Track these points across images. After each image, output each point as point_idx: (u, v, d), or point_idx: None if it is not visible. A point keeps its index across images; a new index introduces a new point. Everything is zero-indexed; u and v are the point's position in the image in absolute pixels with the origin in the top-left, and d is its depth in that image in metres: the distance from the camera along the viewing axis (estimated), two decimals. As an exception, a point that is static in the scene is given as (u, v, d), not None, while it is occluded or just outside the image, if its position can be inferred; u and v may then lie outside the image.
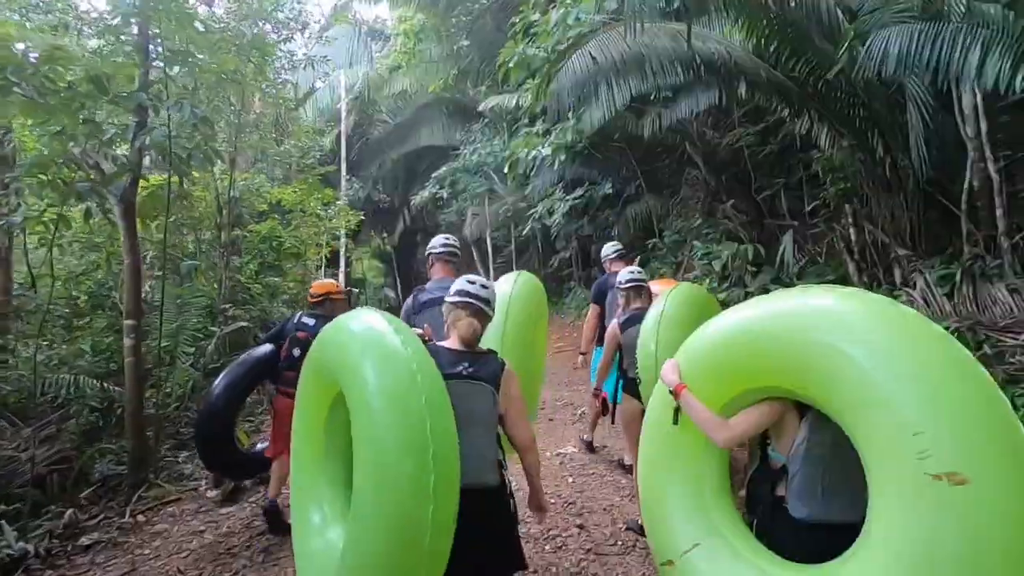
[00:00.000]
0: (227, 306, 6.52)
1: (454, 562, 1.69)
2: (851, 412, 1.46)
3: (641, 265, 7.96)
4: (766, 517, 1.81)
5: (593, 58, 4.58)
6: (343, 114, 16.03)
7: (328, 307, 3.69)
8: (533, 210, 10.08)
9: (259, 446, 4.23)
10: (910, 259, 4.51)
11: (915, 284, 4.24)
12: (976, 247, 4.32)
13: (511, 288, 2.87)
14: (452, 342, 2.07)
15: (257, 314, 8.15)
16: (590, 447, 4.79)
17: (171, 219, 7.89)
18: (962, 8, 3.36)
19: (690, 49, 4.45)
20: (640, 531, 3.20)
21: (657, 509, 2.01)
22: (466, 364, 1.99)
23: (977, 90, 4.14)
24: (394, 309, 19.97)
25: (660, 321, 2.94)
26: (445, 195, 13.07)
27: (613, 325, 3.46)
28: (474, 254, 16.71)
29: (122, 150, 4.48)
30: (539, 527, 3.37)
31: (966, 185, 4.52)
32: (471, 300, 2.08)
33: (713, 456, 1.97)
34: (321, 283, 3.92)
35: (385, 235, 22.46)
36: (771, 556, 1.71)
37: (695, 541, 1.85)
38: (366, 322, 1.88)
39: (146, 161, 4.86)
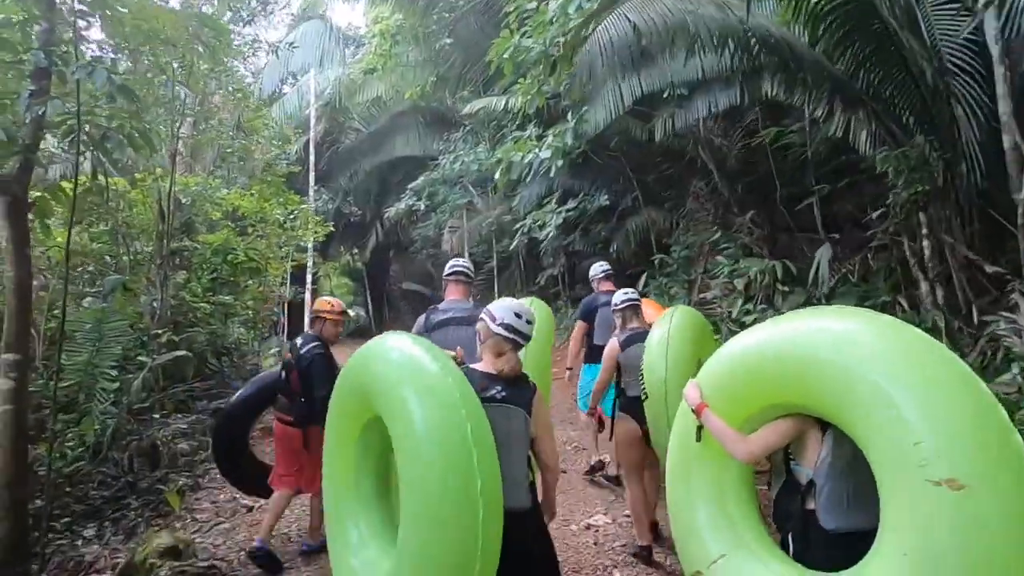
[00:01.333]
0: (162, 331, 5.39)
1: None
2: (860, 425, 1.56)
3: (646, 283, 7.15)
4: (798, 530, 1.83)
5: (632, 23, 3.75)
6: (312, 120, 14.98)
7: (318, 327, 3.52)
8: (521, 223, 9.21)
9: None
10: (1002, 278, 3.79)
11: (1019, 307, 3.49)
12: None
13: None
14: (486, 365, 2.08)
15: (205, 338, 7.01)
16: (599, 468, 4.53)
17: (104, 226, 6.80)
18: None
19: (743, 23, 3.67)
20: (643, 553, 3.29)
21: (685, 522, 2.11)
22: (499, 388, 2.01)
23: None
24: (364, 329, 18.65)
25: (668, 343, 3.04)
26: (422, 207, 12.11)
27: (612, 344, 3.47)
28: (451, 271, 15.75)
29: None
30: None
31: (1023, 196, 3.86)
32: (516, 338, 2.09)
33: (736, 471, 2.06)
34: (319, 300, 3.72)
35: (356, 251, 21.31)
36: (795, 565, 1.80)
37: (722, 552, 1.93)
38: (400, 347, 1.91)
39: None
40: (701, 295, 6.11)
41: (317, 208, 14.83)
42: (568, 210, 8.27)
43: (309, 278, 14.90)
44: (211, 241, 7.30)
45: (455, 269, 3.35)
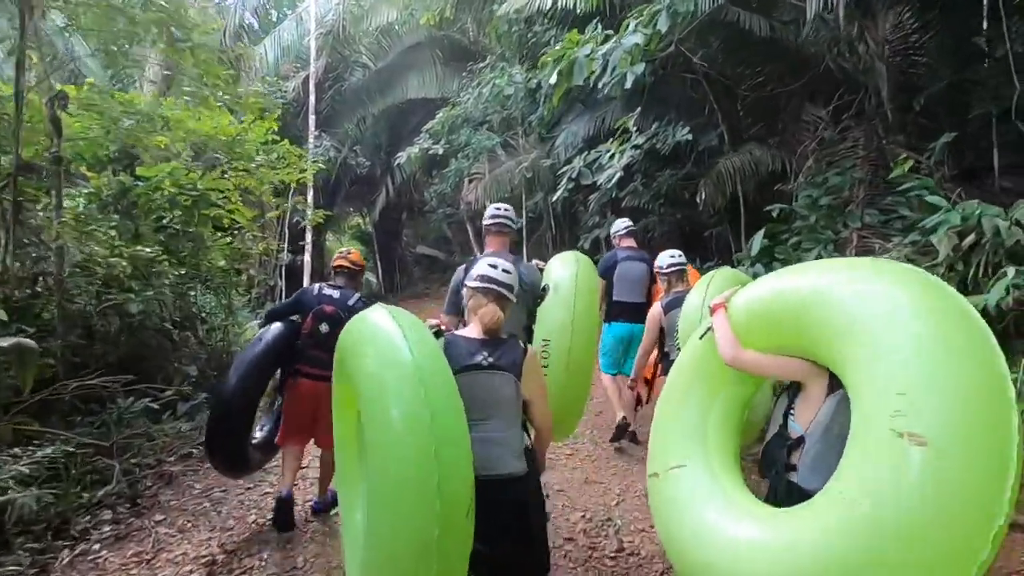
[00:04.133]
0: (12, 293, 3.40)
1: (478, 551, 1.67)
2: (854, 368, 1.47)
3: (770, 239, 5.01)
4: (778, 481, 1.79)
5: None
6: (312, 52, 12.79)
7: (359, 280, 3.54)
8: (567, 167, 7.06)
9: (260, 433, 3.56)
10: None
11: None
12: None
13: (575, 270, 2.88)
14: (472, 330, 2.01)
15: (143, 306, 5.08)
16: (626, 429, 4.27)
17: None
18: None
19: None
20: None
21: (663, 424, 2.11)
22: (486, 353, 1.94)
23: None
24: (377, 296, 16.65)
25: (704, 305, 2.71)
26: (440, 151, 9.97)
27: (656, 309, 3.46)
28: (469, 233, 13.68)
29: None
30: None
31: None
32: (492, 286, 2.03)
33: (728, 393, 2.04)
34: (349, 253, 3.56)
35: (365, 211, 19.30)
36: (746, 492, 1.80)
37: (683, 461, 1.94)
38: (369, 318, 1.86)
39: None
40: (864, 252, 4.02)
41: (317, 156, 12.79)
42: (635, 146, 6.10)
43: (308, 237, 12.97)
44: (151, 174, 5.31)
45: (496, 219, 3.03)
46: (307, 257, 12.90)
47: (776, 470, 1.78)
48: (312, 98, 12.71)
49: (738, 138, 6.69)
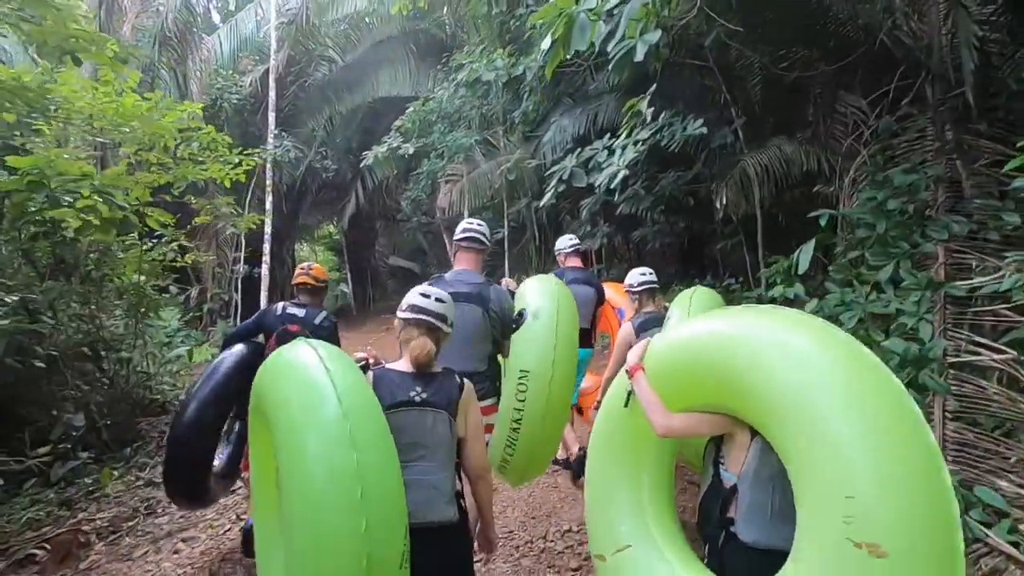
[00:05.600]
0: None
1: None
2: (794, 449, 1.42)
3: (822, 271, 4.00)
4: (716, 537, 1.71)
5: None
6: (272, 43, 11.58)
7: (320, 297, 3.40)
8: (559, 167, 5.97)
9: (218, 461, 3.24)
10: None
11: None
12: None
13: (556, 296, 2.68)
14: (404, 363, 1.89)
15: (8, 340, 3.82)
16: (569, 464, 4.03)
17: None
18: None
19: None
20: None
21: (597, 499, 2.03)
22: (419, 389, 1.83)
23: None
24: (350, 308, 15.27)
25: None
26: (411, 150, 8.83)
27: (627, 329, 3.30)
28: (446, 242, 12.53)
29: None
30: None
31: None
32: (424, 317, 1.90)
33: (658, 455, 1.99)
34: (312, 268, 3.41)
35: (335, 219, 18.02)
36: (698, 565, 1.76)
37: (628, 542, 1.88)
38: (290, 352, 1.73)
39: None
40: (960, 283, 2.98)
41: (277, 158, 11.55)
42: (641, 141, 5.04)
43: (267, 247, 11.68)
44: (23, 165, 4.07)
45: (467, 233, 2.83)
46: (264, 269, 11.61)
47: (713, 525, 1.72)
48: (272, 94, 11.49)
49: (758, 133, 5.70)
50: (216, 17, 15.95)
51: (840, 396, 1.35)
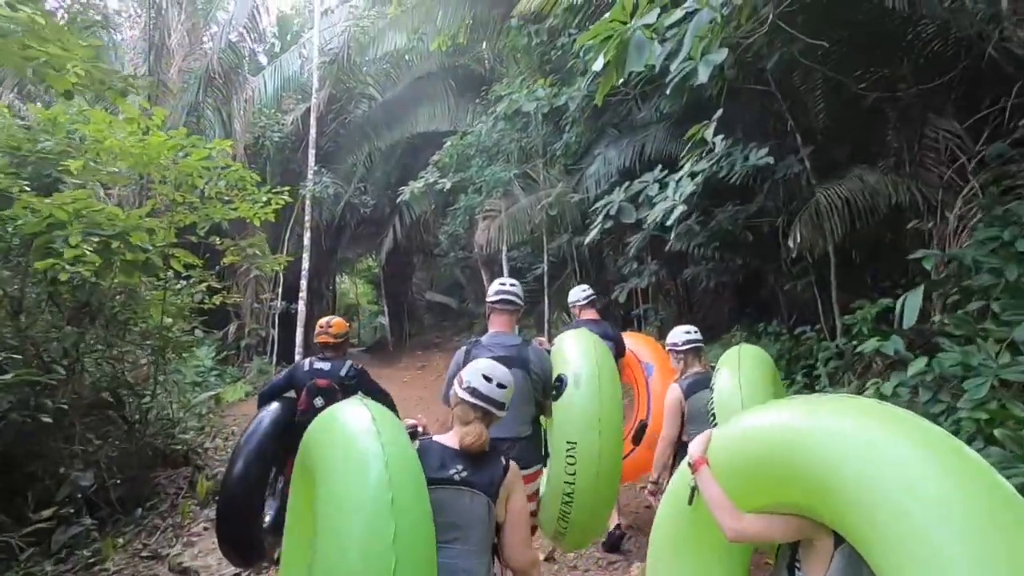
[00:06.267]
0: None
1: None
2: (889, 560, 1.22)
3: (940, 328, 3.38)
4: None
5: None
6: (315, 83, 11.71)
7: (344, 350, 3.57)
8: (607, 202, 5.51)
9: (269, 516, 3.40)
10: None
11: None
12: None
13: (595, 358, 2.66)
14: (451, 438, 1.81)
15: (16, 397, 3.57)
16: (620, 541, 3.77)
17: None
18: None
19: None
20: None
21: None
22: (459, 467, 1.74)
23: None
24: (386, 342, 15.04)
25: (741, 388, 2.60)
26: (448, 184, 8.57)
27: (675, 392, 3.08)
28: (484, 280, 12.15)
29: None
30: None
31: None
32: (481, 403, 1.80)
33: (727, 558, 1.79)
34: (335, 322, 3.61)
35: (373, 253, 18.03)
36: None
37: None
38: (340, 411, 1.73)
39: None
40: None
41: (316, 194, 11.54)
42: (697, 172, 4.54)
43: (304, 283, 11.60)
44: (43, 210, 3.88)
45: (501, 295, 2.79)
46: (300, 305, 11.50)
47: None
48: (313, 131, 11.58)
49: (827, 162, 5.13)
50: (264, 59, 16.49)
51: (938, 501, 1.18)
